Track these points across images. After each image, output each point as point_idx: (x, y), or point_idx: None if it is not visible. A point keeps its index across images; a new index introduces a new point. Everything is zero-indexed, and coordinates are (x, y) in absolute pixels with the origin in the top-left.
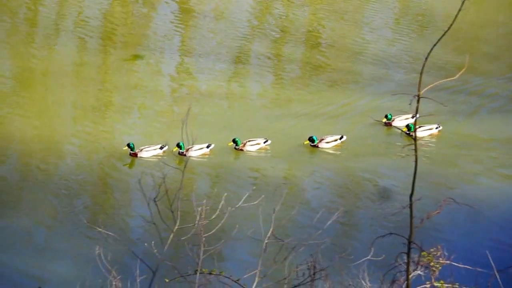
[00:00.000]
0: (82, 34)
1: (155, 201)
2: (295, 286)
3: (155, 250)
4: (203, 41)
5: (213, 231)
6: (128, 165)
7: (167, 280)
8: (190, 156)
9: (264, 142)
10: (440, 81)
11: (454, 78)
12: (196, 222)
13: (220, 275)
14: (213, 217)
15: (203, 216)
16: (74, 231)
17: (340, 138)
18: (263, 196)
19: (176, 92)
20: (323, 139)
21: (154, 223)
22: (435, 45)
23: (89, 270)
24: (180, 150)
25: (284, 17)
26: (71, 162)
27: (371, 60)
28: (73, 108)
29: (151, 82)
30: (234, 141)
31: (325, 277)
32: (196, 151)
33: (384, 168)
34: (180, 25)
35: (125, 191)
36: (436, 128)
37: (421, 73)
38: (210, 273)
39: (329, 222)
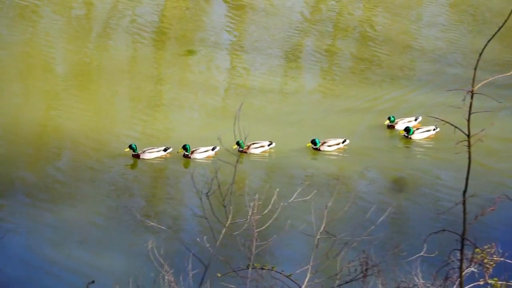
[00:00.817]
0: (137, 29)
1: (207, 196)
2: (347, 282)
3: (208, 245)
4: (257, 36)
5: (265, 226)
6: (130, 166)
7: (219, 275)
8: (194, 158)
9: (269, 145)
10: (495, 77)
11: (510, 74)
12: (249, 217)
13: (272, 270)
14: (265, 212)
15: (255, 211)
16: (127, 225)
17: (343, 142)
18: (315, 191)
19: (229, 87)
20: (325, 142)
21: (206, 218)
22: (489, 40)
23: (142, 265)
24: (186, 153)
25: (337, 11)
26: (124, 157)
27: (425, 56)
28: (127, 103)
29: (204, 77)
30: (238, 143)
31: (377, 273)
32: (201, 154)
33: (436, 166)
34: (233, 20)
35: (178, 186)
36: (434, 129)
37: (475, 69)
38: (262, 268)
39: (381, 218)
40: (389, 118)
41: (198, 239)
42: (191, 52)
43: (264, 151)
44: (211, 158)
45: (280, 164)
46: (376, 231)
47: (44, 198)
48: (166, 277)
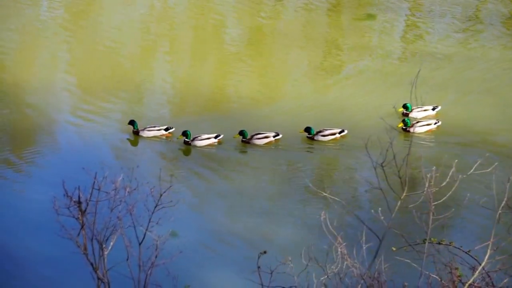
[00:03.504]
0: None
1: (382, 167)
2: None
3: (382, 218)
4: (438, 1)
5: (442, 199)
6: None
7: (394, 249)
8: (195, 146)
9: (274, 137)
10: None
11: None
12: (425, 189)
13: (450, 245)
14: (443, 184)
15: (432, 183)
16: (299, 195)
17: (340, 132)
18: (496, 164)
19: (406, 53)
20: (320, 131)
21: (381, 189)
22: None
23: (314, 236)
24: (186, 139)
25: None
26: (292, 124)
27: None
28: (298, 68)
29: (381, 42)
30: (242, 133)
31: None
32: (202, 141)
33: None
34: None
35: (351, 156)
36: (435, 123)
37: None
38: (439, 243)
39: None
40: (404, 106)
41: (372, 211)
42: (370, 16)
43: (268, 142)
44: (214, 146)
45: (456, 132)
46: None
47: (216, 166)
48: (339, 250)
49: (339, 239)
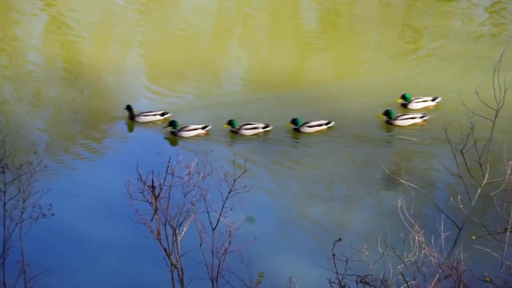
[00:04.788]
0: None
1: (462, 153)
2: None
3: (461, 205)
4: None
5: None
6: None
7: (474, 238)
8: (181, 136)
9: (263, 128)
10: None
11: None
12: (507, 176)
13: None
14: None
15: None
16: (375, 182)
17: (327, 124)
18: None
19: (487, 36)
20: (306, 123)
21: (461, 176)
22: None
23: (390, 224)
24: (172, 129)
25: None
26: (359, 109)
27: None
28: (374, 51)
29: (462, 24)
30: (230, 123)
31: None
32: (189, 131)
33: None
34: None
35: (430, 142)
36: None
37: None
38: None
39: None
40: (403, 96)
41: (451, 198)
42: None
43: (256, 134)
44: (202, 137)
45: None
46: None
47: (290, 151)
48: (417, 238)
49: (417, 227)
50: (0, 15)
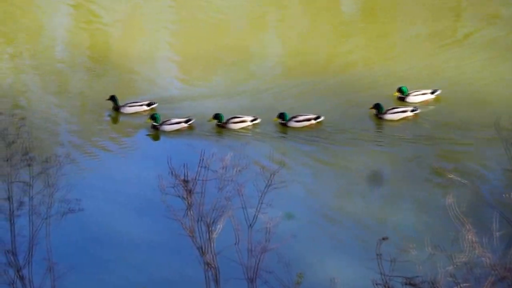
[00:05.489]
0: None
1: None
2: None
3: None
4: None
5: None
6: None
7: None
8: (163, 131)
9: (252, 121)
10: None
11: None
12: None
13: None
14: None
15: None
16: (422, 177)
17: (316, 119)
18: None
19: None
20: (294, 117)
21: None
22: None
23: (439, 222)
24: (154, 123)
25: None
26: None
27: None
28: (418, 39)
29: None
30: (217, 117)
31: None
32: (171, 125)
33: None
34: None
35: (479, 134)
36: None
37: None
38: None
39: None
40: (400, 89)
41: (504, 195)
42: None
43: (244, 128)
44: (184, 131)
45: None
46: None
47: (329, 144)
48: (468, 237)
49: (468, 225)
50: (26, 3)
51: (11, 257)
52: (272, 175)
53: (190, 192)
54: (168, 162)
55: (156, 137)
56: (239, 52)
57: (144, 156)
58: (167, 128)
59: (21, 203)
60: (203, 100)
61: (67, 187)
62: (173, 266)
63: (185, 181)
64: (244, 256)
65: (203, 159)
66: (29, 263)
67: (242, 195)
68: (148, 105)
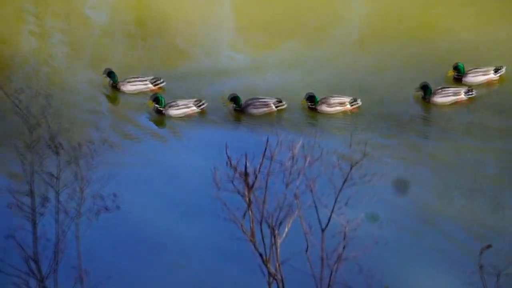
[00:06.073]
0: None
1: None
2: None
3: None
4: None
5: None
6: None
7: None
8: (169, 115)
9: (276, 106)
10: None
11: None
12: None
13: None
14: None
15: None
16: None
17: (351, 103)
18: None
19: None
20: (325, 101)
21: None
22: None
23: None
24: (157, 106)
25: None
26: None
27: None
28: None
29: None
30: (234, 99)
31: None
32: (178, 110)
33: None
34: None
35: None
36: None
37: None
38: None
39: None
40: (455, 67)
41: None
42: None
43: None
44: (193, 116)
45: None
46: None
47: (423, 131)
48: None
49: None
50: None
51: (33, 265)
52: (351, 167)
53: (250, 187)
54: (224, 151)
55: (160, 123)
56: (307, 16)
57: (194, 143)
58: (173, 112)
59: (45, 199)
60: (259, 74)
61: (102, 180)
62: (230, 277)
63: (245, 174)
64: (316, 266)
65: (266, 148)
66: (54, 271)
67: (313, 192)
68: (153, 82)
